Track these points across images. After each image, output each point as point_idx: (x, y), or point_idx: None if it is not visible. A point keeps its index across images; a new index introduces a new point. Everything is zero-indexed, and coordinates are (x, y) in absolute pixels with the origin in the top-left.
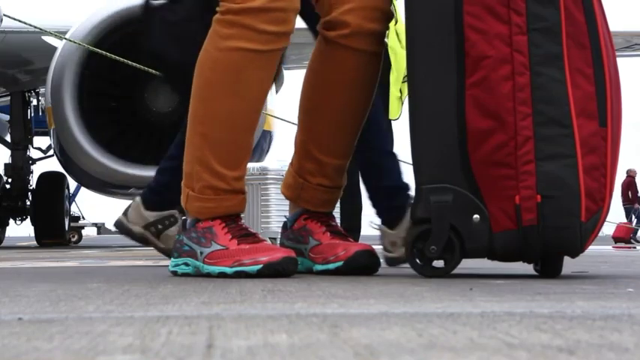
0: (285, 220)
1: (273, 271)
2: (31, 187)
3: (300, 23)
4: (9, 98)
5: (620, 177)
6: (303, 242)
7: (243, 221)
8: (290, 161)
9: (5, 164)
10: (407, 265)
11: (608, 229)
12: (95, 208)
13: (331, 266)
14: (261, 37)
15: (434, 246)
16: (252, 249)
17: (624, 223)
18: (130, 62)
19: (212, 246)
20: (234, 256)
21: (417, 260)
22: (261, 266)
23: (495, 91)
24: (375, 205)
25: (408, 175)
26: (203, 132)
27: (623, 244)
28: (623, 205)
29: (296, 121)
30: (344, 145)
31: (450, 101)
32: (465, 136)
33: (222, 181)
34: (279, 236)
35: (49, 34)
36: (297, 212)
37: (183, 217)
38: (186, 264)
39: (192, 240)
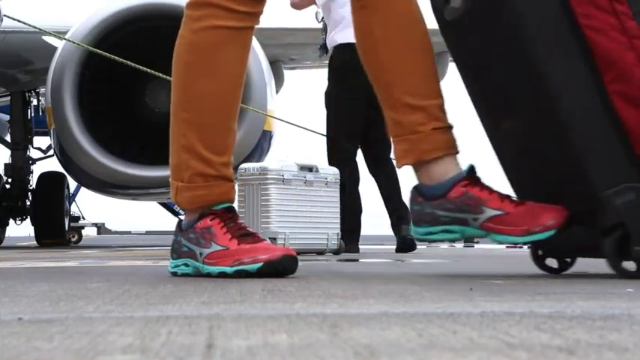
0: (417, 190)
1: (274, 270)
2: (31, 187)
3: (299, 23)
4: (9, 98)
5: None
6: (472, 212)
7: (242, 221)
8: (384, 136)
9: (5, 164)
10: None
11: None
12: (95, 208)
13: (542, 235)
14: (232, 14)
15: (638, 246)
16: (251, 248)
17: None
18: (130, 62)
19: (212, 247)
20: (233, 255)
21: (623, 266)
22: (261, 265)
23: (633, 80)
24: None
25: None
26: (186, 118)
27: None
28: None
29: (295, 122)
30: (434, 84)
31: (596, 105)
32: (624, 131)
33: (210, 166)
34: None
35: (49, 34)
36: (454, 178)
37: (180, 218)
38: (186, 264)
39: (191, 241)
